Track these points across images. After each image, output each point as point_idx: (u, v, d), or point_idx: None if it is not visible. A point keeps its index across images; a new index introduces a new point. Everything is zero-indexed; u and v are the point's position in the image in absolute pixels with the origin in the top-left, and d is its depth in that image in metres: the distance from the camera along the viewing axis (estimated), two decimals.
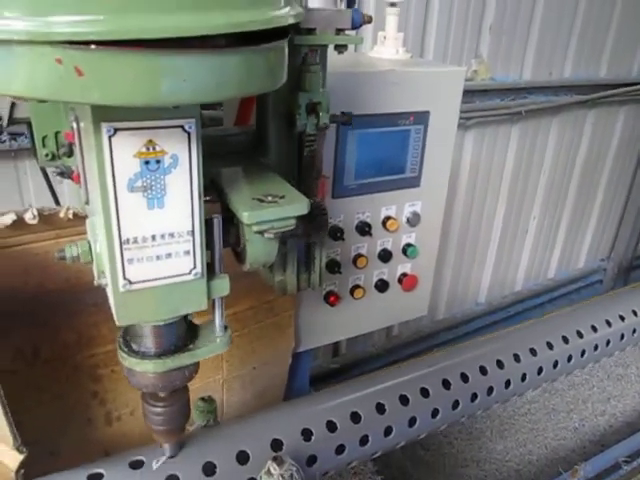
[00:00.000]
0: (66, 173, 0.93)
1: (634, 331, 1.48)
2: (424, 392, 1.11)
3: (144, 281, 0.71)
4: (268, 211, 0.75)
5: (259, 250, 0.82)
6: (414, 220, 1.54)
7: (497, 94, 2.44)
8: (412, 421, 1.10)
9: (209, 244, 0.76)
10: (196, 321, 0.85)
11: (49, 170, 1.13)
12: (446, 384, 1.12)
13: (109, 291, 0.73)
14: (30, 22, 0.48)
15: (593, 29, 2.67)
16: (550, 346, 1.29)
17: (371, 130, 1.37)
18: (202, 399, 1.08)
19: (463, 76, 1.48)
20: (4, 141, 1.34)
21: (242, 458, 0.97)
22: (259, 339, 1.39)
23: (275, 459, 0.93)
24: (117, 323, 0.74)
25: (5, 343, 1.04)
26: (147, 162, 0.65)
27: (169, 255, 0.71)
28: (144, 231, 0.69)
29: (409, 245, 1.57)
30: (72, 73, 0.50)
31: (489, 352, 1.23)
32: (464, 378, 1.14)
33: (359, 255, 1.50)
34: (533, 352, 1.27)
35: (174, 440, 0.91)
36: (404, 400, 1.10)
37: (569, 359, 1.32)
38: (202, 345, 0.80)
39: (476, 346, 1.28)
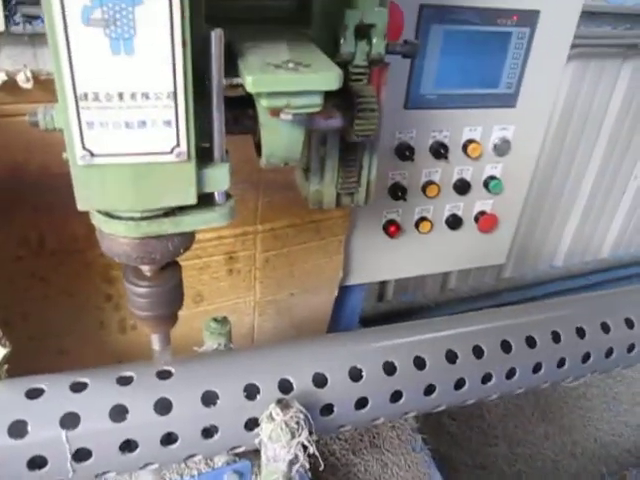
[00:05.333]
0: None
1: None
2: (476, 350, 0.90)
3: (109, 155, 0.54)
4: (281, 78, 0.54)
5: (276, 138, 0.63)
6: (503, 148, 1.28)
7: (609, 19, 1.95)
8: (460, 383, 0.91)
9: (206, 113, 0.57)
10: None
11: None
12: (505, 345, 0.91)
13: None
14: None
15: None
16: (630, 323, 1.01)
17: (461, 27, 1.11)
18: (214, 319, 0.93)
19: None
20: (18, 23, 1.13)
21: (250, 392, 0.82)
22: (300, 263, 1.21)
23: (279, 402, 0.77)
24: (78, 207, 0.59)
25: (8, 227, 0.94)
26: None
27: (143, 123, 0.54)
28: (108, 85, 0.51)
29: (493, 178, 1.32)
30: None
31: (560, 317, 0.98)
32: (530, 342, 0.92)
33: (430, 182, 1.27)
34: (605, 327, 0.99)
35: (163, 330, 0.77)
36: (452, 356, 0.90)
37: None
38: (194, 213, 0.62)
39: (545, 308, 1.03)
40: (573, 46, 1.77)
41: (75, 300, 1.04)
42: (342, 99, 0.71)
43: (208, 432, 0.81)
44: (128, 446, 0.78)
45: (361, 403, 0.88)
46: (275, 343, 0.90)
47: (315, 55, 0.61)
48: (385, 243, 1.33)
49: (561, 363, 0.97)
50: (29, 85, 0.78)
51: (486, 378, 0.91)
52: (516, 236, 2.36)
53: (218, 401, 0.82)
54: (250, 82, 0.54)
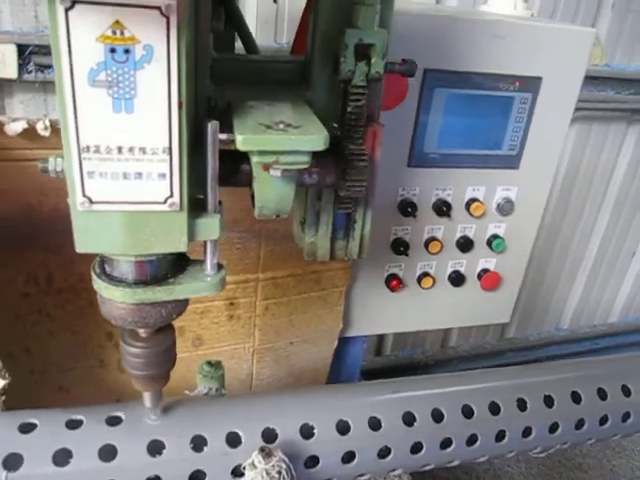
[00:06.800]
0: None
1: None
2: (466, 409, 0.90)
3: (107, 202, 0.59)
4: (269, 138, 0.58)
5: (268, 192, 0.67)
6: (506, 208, 1.30)
7: (612, 84, 2.00)
8: (446, 442, 0.90)
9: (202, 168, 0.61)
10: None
11: None
12: (494, 407, 0.90)
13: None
14: None
15: None
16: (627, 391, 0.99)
17: (464, 91, 1.15)
18: (209, 362, 0.95)
19: (591, 40, 1.20)
20: (30, 71, 1.22)
21: (232, 440, 0.83)
22: (300, 312, 1.23)
23: (262, 450, 0.78)
24: (76, 249, 0.63)
25: (18, 265, 0.99)
26: (113, 50, 0.52)
27: (139, 175, 0.58)
28: (108, 139, 0.55)
29: (496, 237, 1.34)
30: None
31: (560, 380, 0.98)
32: (520, 404, 0.91)
33: (433, 239, 1.29)
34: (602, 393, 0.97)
35: (154, 388, 0.79)
36: (439, 416, 0.89)
37: None
38: (186, 282, 0.67)
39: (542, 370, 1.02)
40: (575, 109, 1.79)
41: (78, 337, 1.07)
42: (336, 156, 0.74)
43: (195, 478, 0.82)
44: None
45: (347, 457, 0.88)
46: (264, 391, 0.91)
47: (307, 117, 0.65)
48: (387, 297, 1.34)
49: (554, 427, 0.96)
50: (47, 133, 0.84)
51: (473, 439, 0.90)
52: (520, 296, 2.32)
53: (205, 447, 0.83)
54: (240, 140, 0.58)
